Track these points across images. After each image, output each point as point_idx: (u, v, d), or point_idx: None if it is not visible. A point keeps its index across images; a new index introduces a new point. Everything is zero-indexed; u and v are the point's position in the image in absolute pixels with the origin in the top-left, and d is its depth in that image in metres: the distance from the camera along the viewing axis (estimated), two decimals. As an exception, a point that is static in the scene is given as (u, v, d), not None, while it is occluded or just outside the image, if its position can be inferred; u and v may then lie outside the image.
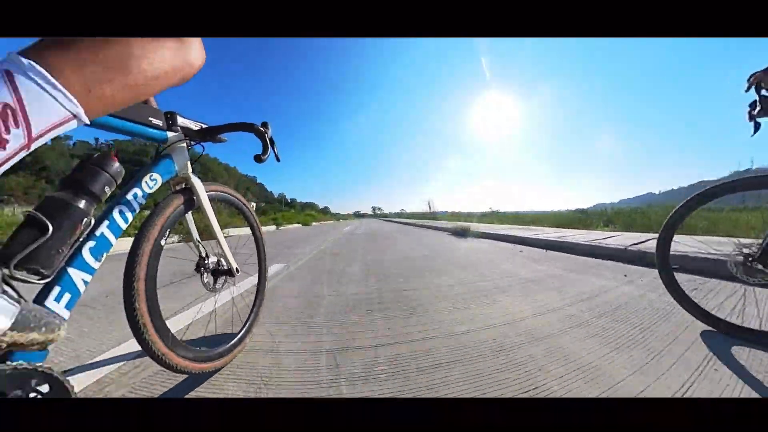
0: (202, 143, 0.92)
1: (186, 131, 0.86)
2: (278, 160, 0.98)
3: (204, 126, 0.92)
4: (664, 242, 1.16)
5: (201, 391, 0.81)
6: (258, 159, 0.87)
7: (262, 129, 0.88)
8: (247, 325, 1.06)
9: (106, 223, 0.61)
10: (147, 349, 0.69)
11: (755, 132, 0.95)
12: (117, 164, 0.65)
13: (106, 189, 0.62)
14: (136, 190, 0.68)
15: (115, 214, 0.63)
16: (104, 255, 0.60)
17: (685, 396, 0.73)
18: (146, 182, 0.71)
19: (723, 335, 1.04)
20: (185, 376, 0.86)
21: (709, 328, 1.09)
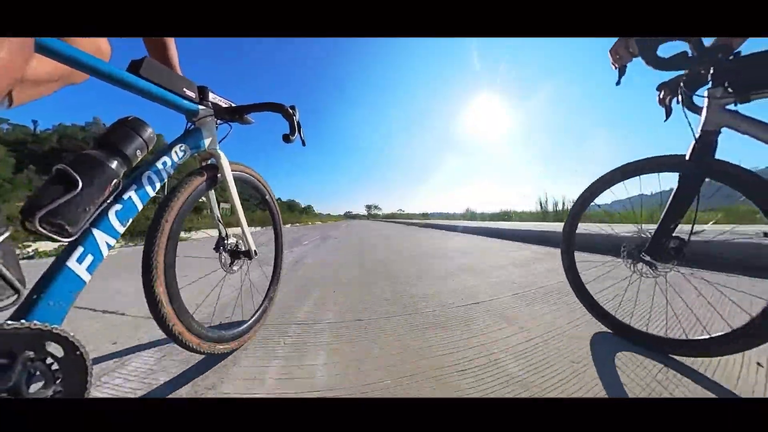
0: (229, 123, 0.91)
1: (216, 108, 0.85)
2: (304, 144, 0.96)
3: (233, 105, 0.91)
4: (569, 230, 1.08)
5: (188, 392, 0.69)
6: (286, 138, 0.86)
7: (290, 110, 0.87)
8: (262, 308, 1.03)
9: (134, 187, 0.58)
10: (165, 329, 0.66)
11: (667, 117, 0.90)
12: (150, 130, 0.63)
13: (138, 153, 0.60)
14: (166, 158, 0.66)
15: (144, 180, 0.61)
16: (129, 220, 0.57)
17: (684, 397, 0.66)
18: (176, 152, 0.69)
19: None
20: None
21: (605, 330, 0.97)
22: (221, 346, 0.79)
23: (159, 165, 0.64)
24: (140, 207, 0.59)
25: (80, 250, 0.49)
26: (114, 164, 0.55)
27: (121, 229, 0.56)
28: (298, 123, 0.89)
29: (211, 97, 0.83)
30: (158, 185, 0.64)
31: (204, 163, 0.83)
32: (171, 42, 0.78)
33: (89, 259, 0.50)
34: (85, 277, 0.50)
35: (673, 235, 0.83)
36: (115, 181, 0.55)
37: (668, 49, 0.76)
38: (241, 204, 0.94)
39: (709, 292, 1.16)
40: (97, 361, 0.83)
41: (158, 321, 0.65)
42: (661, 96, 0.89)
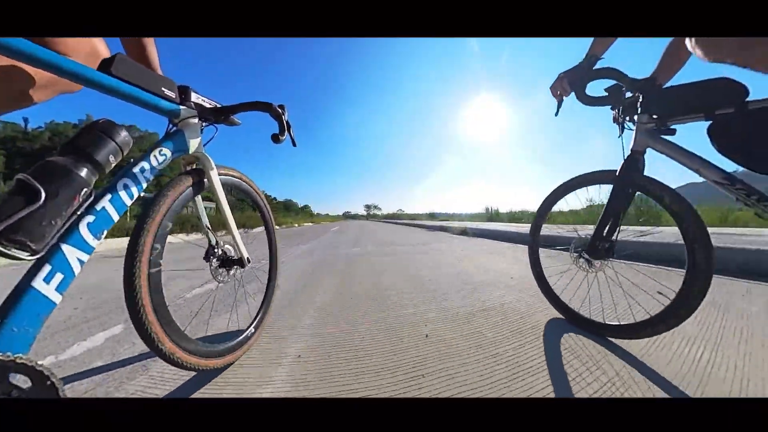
0: (215, 124, 0.86)
1: (199, 108, 0.80)
2: (294, 144, 0.92)
3: (218, 105, 0.86)
4: (535, 228, 1.27)
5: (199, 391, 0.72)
6: (275, 139, 0.82)
7: (279, 110, 0.82)
8: (257, 320, 0.98)
9: (108, 197, 0.54)
10: (150, 345, 0.61)
11: (622, 132, 0.95)
12: (125, 133, 0.58)
13: (111, 159, 0.55)
14: (144, 163, 0.61)
15: (120, 188, 0.56)
16: (104, 232, 0.53)
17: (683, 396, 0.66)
18: (155, 156, 0.64)
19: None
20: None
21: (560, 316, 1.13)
22: (215, 361, 0.75)
23: (136, 171, 0.59)
24: (116, 218, 0.55)
25: (47, 268, 0.44)
26: (83, 172, 0.50)
27: (95, 243, 0.51)
28: (288, 122, 0.85)
29: (194, 97, 0.78)
30: (136, 193, 0.59)
31: (189, 167, 0.79)
32: (150, 39, 0.73)
33: (58, 277, 0.45)
34: (55, 298, 0.45)
35: (609, 238, 0.96)
36: (85, 190, 0.50)
37: (605, 83, 0.91)
38: (234, 204, 0.90)
39: (638, 283, 1.38)
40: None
41: (143, 335, 0.60)
42: (615, 115, 0.96)
